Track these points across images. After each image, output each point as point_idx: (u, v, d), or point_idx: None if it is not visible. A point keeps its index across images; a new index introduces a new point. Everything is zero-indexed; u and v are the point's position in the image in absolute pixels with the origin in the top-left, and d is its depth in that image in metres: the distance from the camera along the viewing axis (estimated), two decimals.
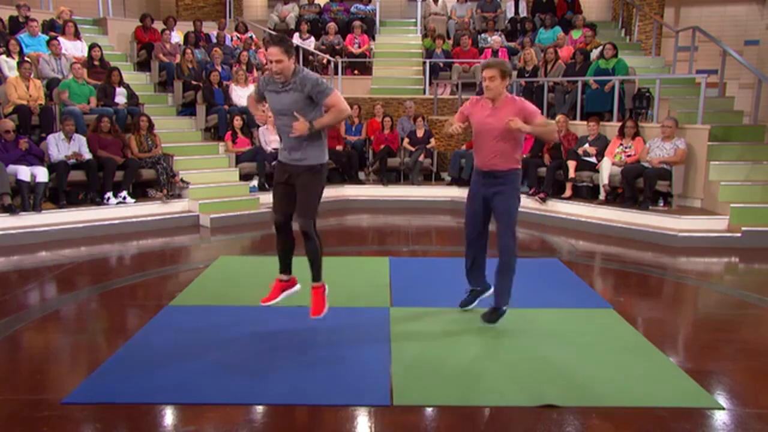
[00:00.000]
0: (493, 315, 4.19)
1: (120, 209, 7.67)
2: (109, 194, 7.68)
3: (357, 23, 12.37)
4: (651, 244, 6.93)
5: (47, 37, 9.33)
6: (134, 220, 7.63)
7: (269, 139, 9.13)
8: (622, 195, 7.84)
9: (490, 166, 4.06)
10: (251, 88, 9.93)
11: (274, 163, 4.38)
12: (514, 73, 10.34)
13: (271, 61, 3.70)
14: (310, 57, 11.83)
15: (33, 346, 4.02)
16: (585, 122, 8.53)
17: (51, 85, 8.57)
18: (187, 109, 10.03)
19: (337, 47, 12.02)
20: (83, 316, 4.59)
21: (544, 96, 9.32)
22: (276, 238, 4.08)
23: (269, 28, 12.67)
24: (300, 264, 4.16)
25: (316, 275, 4.05)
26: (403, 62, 12.38)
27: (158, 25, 11.33)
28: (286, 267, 4.17)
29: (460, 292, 4.59)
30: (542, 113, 9.01)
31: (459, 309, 4.49)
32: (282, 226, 4.01)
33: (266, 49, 3.80)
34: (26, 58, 8.46)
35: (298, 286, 4.25)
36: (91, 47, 9.44)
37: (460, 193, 9.45)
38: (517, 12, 13.12)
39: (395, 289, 5.05)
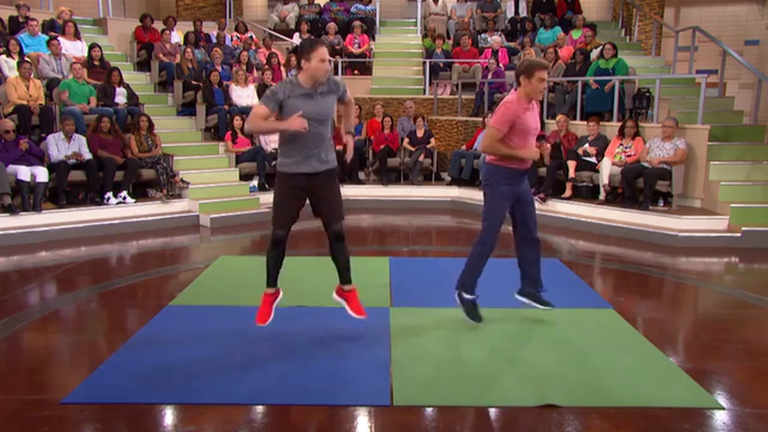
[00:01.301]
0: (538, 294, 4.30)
1: (120, 209, 7.67)
2: (109, 194, 7.69)
3: (357, 23, 12.37)
4: (651, 244, 6.93)
5: (47, 37, 9.33)
6: (134, 220, 7.64)
7: (269, 139, 9.12)
8: (622, 195, 7.84)
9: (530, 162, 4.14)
10: (251, 88, 9.94)
11: (274, 163, 4.33)
12: (514, 73, 10.34)
13: (324, 60, 3.60)
14: None
15: (33, 346, 4.02)
16: (585, 122, 8.53)
17: (51, 85, 8.57)
18: (187, 109, 10.03)
19: (337, 47, 12.02)
20: (83, 316, 4.59)
21: (544, 96, 9.31)
22: (272, 253, 3.89)
23: (269, 28, 12.69)
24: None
25: (350, 277, 4.03)
26: (403, 62, 12.38)
27: (158, 25, 11.33)
28: (275, 280, 4.01)
29: None
30: (542, 114, 9.21)
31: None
32: (284, 240, 3.87)
33: (316, 49, 3.58)
34: (26, 58, 8.47)
35: (281, 294, 4.09)
36: (91, 47, 9.44)
37: (460, 193, 9.46)
38: (517, 12, 13.13)
39: (395, 289, 5.05)
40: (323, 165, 3.78)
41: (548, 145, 4.17)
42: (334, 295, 4.11)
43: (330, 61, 11.30)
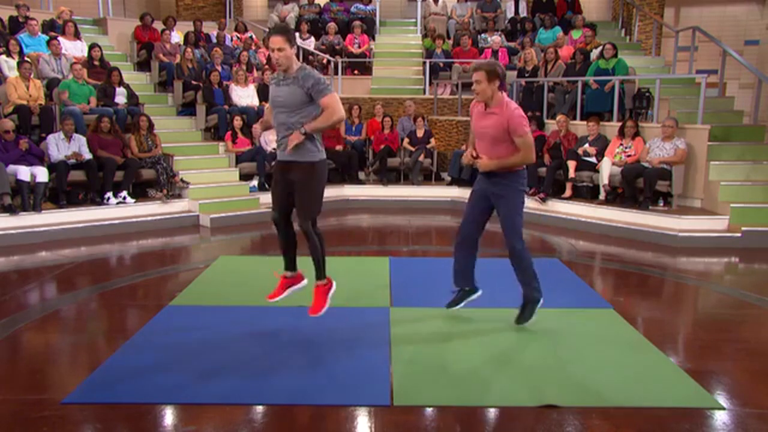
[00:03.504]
0: (525, 310, 4.18)
1: (120, 209, 7.67)
2: (109, 194, 7.69)
3: (357, 23, 12.37)
4: (651, 244, 6.93)
5: (47, 37, 9.33)
6: (134, 220, 7.63)
7: (269, 139, 9.12)
8: (622, 195, 7.84)
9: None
10: (251, 88, 9.95)
11: (274, 162, 4.38)
12: (514, 73, 10.35)
13: (273, 49, 3.74)
14: (310, 57, 11.83)
15: (33, 346, 4.02)
16: (585, 122, 8.53)
17: (51, 85, 8.57)
18: (187, 109, 10.03)
19: (337, 47, 12.02)
20: (83, 316, 4.59)
21: (544, 96, 9.32)
22: (277, 236, 4.10)
23: (269, 28, 12.67)
24: (304, 262, 4.16)
25: (318, 274, 4.06)
26: (403, 62, 12.38)
27: (158, 25, 11.33)
28: (289, 263, 4.16)
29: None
30: (542, 114, 9.21)
31: (460, 309, 4.48)
32: (280, 222, 4.02)
33: (269, 39, 3.82)
34: (26, 58, 8.46)
35: (304, 281, 4.23)
36: (91, 47, 9.44)
37: (460, 193, 9.46)
38: (517, 12, 13.14)
39: (395, 289, 5.05)
40: (289, 157, 3.85)
41: (473, 159, 4.10)
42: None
43: (330, 61, 11.35)
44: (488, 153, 3.99)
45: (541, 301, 4.19)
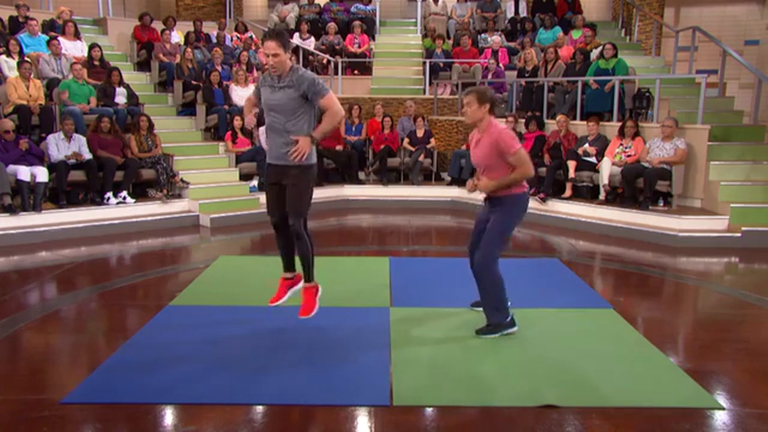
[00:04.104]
0: (482, 328, 4.09)
1: (120, 209, 7.67)
2: (109, 194, 7.69)
3: (357, 23, 12.37)
4: (651, 244, 6.93)
5: (47, 37, 9.33)
6: (134, 220, 7.64)
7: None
8: (622, 195, 7.84)
9: (489, 193, 4.01)
10: (251, 88, 9.93)
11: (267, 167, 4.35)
12: (514, 73, 10.36)
13: (267, 55, 3.72)
14: (310, 57, 11.83)
15: (33, 346, 4.02)
16: (585, 122, 8.53)
17: (51, 85, 8.57)
18: (187, 109, 10.03)
19: (337, 47, 12.02)
20: (83, 316, 4.59)
21: (544, 96, 9.32)
22: (276, 238, 4.10)
23: (269, 29, 12.67)
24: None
25: (307, 276, 4.07)
26: (403, 62, 12.38)
27: (158, 25, 11.33)
28: (289, 264, 4.18)
29: (461, 292, 4.60)
30: (542, 114, 9.21)
31: (460, 309, 4.47)
32: (280, 226, 4.02)
33: (263, 43, 3.80)
34: (26, 58, 8.47)
35: (301, 284, 4.24)
36: (91, 47, 9.44)
37: (460, 193, 9.46)
38: (517, 12, 13.14)
39: (395, 289, 5.05)
40: (280, 160, 3.85)
41: (472, 185, 4.07)
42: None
43: (330, 61, 11.35)
44: (483, 176, 3.97)
45: (512, 330, 4.07)
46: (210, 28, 12.04)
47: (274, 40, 3.69)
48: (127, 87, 9.11)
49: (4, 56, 8.60)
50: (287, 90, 3.77)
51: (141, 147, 8.22)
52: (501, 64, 10.86)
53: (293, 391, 3.30)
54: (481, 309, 4.18)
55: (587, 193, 8.26)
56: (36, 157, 7.31)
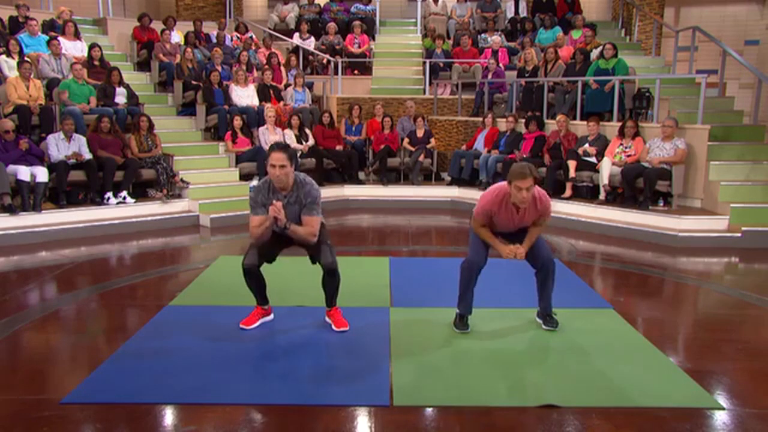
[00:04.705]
0: (555, 320, 4.23)
1: (120, 209, 7.67)
2: (109, 194, 7.69)
3: (357, 23, 12.37)
4: (651, 244, 6.93)
5: (47, 37, 9.33)
6: (134, 220, 7.64)
7: (269, 139, 9.12)
8: (622, 195, 7.84)
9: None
10: (251, 88, 9.94)
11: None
12: (514, 73, 10.36)
13: (275, 166, 3.76)
14: (310, 57, 11.83)
15: (33, 346, 4.01)
16: (585, 122, 8.53)
17: (51, 85, 8.57)
18: (187, 109, 10.03)
19: (337, 47, 12.02)
20: (83, 316, 4.59)
21: (544, 96, 9.32)
22: (247, 280, 4.07)
23: (269, 28, 12.68)
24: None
25: (334, 302, 4.18)
26: (403, 62, 12.38)
27: (158, 25, 11.33)
28: (265, 300, 4.25)
29: None
30: (542, 114, 9.21)
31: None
32: (256, 269, 4.05)
33: (269, 155, 3.80)
34: (26, 58, 8.46)
35: (272, 316, 4.33)
36: (91, 47, 9.44)
37: (460, 193, 9.47)
38: (517, 12, 13.13)
39: (395, 289, 5.05)
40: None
41: (520, 253, 4.10)
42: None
43: (330, 61, 11.35)
44: (500, 241, 4.04)
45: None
46: (210, 28, 12.04)
47: (282, 152, 3.75)
48: (127, 87, 9.11)
49: (4, 56, 8.60)
50: (293, 206, 3.91)
51: (141, 147, 8.22)
52: (501, 64, 10.86)
53: (293, 391, 3.30)
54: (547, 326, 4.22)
55: (587, 193, 8.26)
56: (36, 157, 7.30)
